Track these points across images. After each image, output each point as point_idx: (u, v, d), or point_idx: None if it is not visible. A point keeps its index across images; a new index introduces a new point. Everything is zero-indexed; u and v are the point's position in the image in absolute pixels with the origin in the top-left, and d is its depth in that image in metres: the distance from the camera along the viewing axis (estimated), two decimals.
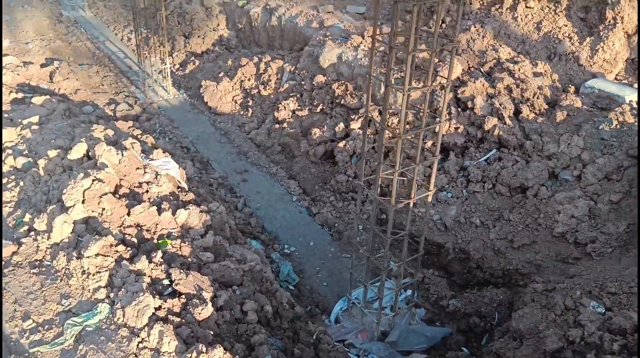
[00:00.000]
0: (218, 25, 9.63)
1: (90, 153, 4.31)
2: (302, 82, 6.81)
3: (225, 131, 7.05)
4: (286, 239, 5.17)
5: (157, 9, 7.71)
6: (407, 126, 5.61)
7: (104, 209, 3.72)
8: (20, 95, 6.75)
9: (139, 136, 5.62)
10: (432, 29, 6.24)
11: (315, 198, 5.66)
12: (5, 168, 4.73)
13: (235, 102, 7.39)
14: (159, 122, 7.07)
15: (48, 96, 6.30)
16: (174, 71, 8.84)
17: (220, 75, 7.78)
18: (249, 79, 7.45)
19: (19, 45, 9.22)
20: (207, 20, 9.59)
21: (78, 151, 4.35)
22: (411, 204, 3.80)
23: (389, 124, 5.54)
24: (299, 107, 6.55)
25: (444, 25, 6.50)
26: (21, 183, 4.32)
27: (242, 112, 7.24)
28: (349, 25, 7.34)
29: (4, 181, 4.51)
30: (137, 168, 4.20)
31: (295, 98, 6.68)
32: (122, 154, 4.18)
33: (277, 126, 6.54)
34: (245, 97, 7.38)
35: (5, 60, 8.11)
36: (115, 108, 7.14)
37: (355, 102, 5.92)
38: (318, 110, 6.33)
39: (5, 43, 9.16)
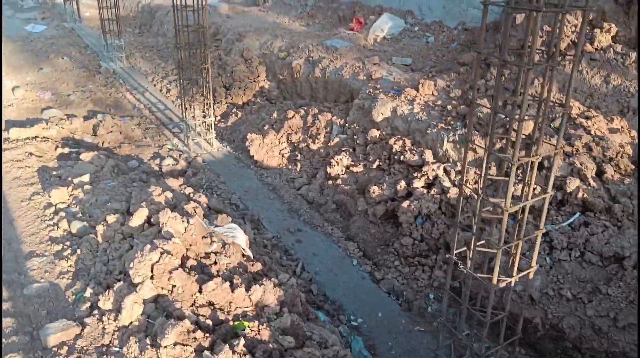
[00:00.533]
0: (258, 76, 9.57)
1: (152, 219, 4.06)
2: (355, 137, 6.57)
3: (274, 186, 6.79)
4: (351, 309, 4.80)
5: (203, 62, 7.59)
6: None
7: (174, 286, 3.42)
8: (66, 150, 6.60)
9: (192, 195, 5.37)
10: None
11: (377, 262, 5.31)
12: (59, 233, 4.49)
13: (283, 156, 7.16)
14: (205, 178, 6.84)
15: (96, 152, 6.12)
16: (216, 122, 8.70)
17: (266, 128, 7.59)
18: (295, 132, 7.25)
19: (60, 97, 9.21)
20: (247, 72, 9.53)
21: (139, 217, 4.10)
22: (512, 283, 3.45)
23: (457, 184, 5.23)
24: (353, 163, 6.28)
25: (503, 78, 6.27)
26: (78, 251, 4.06)
27: (290, 167, 7.00)
28: (399, 78, 7.16)
29: (59, 247, 4.27)
30: (203, 237, 3.92)
31: (347, 153, 6.43)
32: (188, 222, 3.91)
33: (330, 182, 6.26)
34: (293, 151, 7.16)
35: (49, 113, 8.06)
36: (160, 163, 6.94)
37: (416, 158, 5.64)
38: (374, 166, 6.05)
39: (47, 95, 9.16)
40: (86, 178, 5.36)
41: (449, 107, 5.78)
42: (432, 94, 6.22)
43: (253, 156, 7.23)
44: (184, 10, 7.38)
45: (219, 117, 8.81)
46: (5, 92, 9.29)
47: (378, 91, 6.77)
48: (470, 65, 6.62)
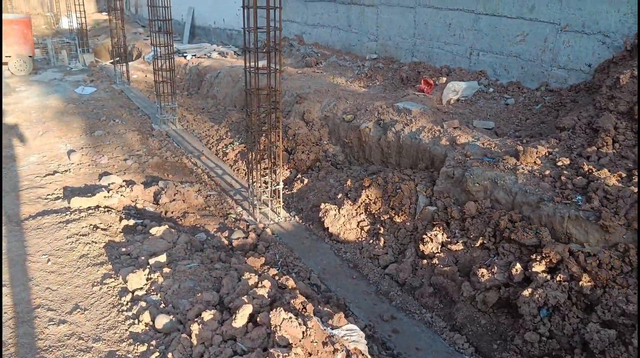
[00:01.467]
0: (320, 139, 9.12)
1: (258, 319, 3.43)
2: (448, 209, 5.92)
3: (354, 263, 6.12)
4: None
5: (274, 127, 7.16)
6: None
7: None
8: (131, 222, 6.09)
9: (278, 278, 4.74)
10: None
11: None
12: (140, 327, 3.88)
13: (362, 229, 6.53)
14: (278, 253, 6.22)
15: (166, 226, 5.58)
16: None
17: (339, 196, 7.02)
18: (374, 202, 6.64)
19: (117, 161, 8.85)
20: (309, 135, 9.09)
21: (243, 316, 3.48)
22: None
23: (589, 269, 4.50)
24: (449, 240, 5.61)
25: (617, 145, 5.62)
26: (169, 356, 3.42)
27: (371, 241, 6.34)
28: (488, 143, 6.57)
29: (144, 348, 3.64)
30: (324, 343, 3.25)
31: (441, 228, 5.76)
32: (305, 324, 3.27)
33: (424, 261, 5.57)
34: (373, 223, 6.53)
35: (108, 179, 7.64)
36: (230, 236, 6.36)
37: (531, 237, 4.94)
38: (477, 244, 5.36)
39: (103, 160, 8.82)
40: (162, 257, 4.79)
41: (563, 178, 5.12)
42: (535, 162, 5.58)
43: (328, 228, 6.61)
44: (252, 71, 6.99)
45: (281, 183, 8.28)
46: (61, 155, 8.99)
47: (468, 158, 6.16)
48: (573, 129, 6.01)
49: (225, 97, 13.47)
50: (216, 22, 19.29)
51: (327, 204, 6.69)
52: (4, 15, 17.07)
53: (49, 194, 7.14)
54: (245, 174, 8.80)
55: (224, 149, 9.85)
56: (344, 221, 6.51)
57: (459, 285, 5.11)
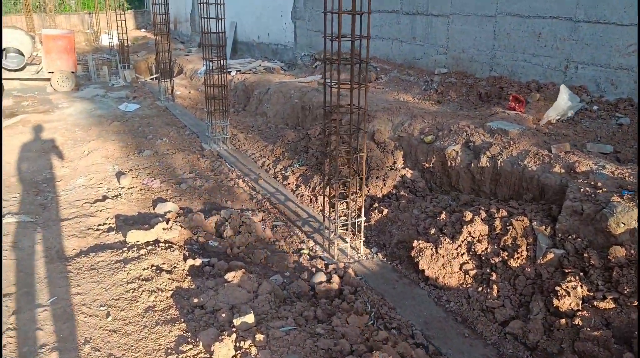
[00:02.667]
0: (394, 163, 8.13)
1: None
2: (584, 255, 4.83)
3: (462, 316, 5.06)
4: None
5: (359, 152, 6.22)
6: None
7: None
8: (197, 261, 5.18)
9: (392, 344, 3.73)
10: None
11: None
12: None
13: (466, 274, 5.48)
14: (369, 301, 5.21)
15: (242, 271, 4.65)
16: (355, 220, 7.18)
17: (432, 232, 5.99)
18: (479, 241, 5.59)
19: (170, 185, 8.01)
20: (382, 158, 8.12)
21: None
22: None
23: None
24: (593, 294, 4.52)
25: None
26: None
27: (481, 290, 5.28)
28: (619, 172, 5.47)
29: None
30: None
31: (577, 278, 4.67)
32: None
33: (561, 321, 4.48)
34: (480, 266, 5.47)
35: (164, 207, 6.80)
36: (310, 279, 5.39)
37: None
38: (635, 303, 4.26)
39: (155, 183, 8.00)
40: (250, 317, 3.84)
41: None
42: None
43: (423, 270, 5.57)
44: (333, 86, 6.08)
45: (363, 217, 7.30)
46: (109, 178, 8.22)
47: (600, 190, 5.07)
48: None
49: (276, 114, 12.65)
50: (260, 36, 18.64)
51: (420, 241, 5.67)
52: (48, 31, 16.74)
53: (100, 225, 6.31)
54: (310, 202, 7.86)
55: (283, 171, 8.95)
56: (444, 263, 5.48)
57: (618, 356, 3.99)
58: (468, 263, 5.52)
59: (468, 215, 5.81)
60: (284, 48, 16.77)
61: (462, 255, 5.59)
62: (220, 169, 9.21)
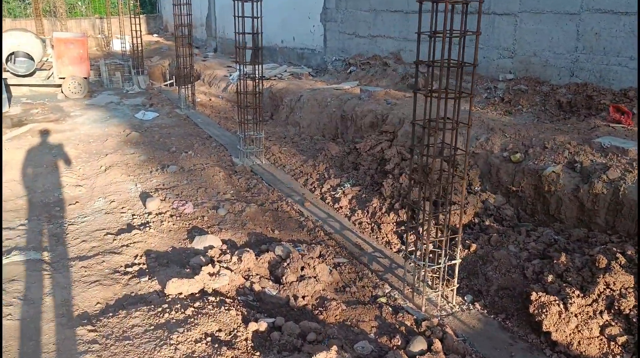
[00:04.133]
0: (470, 185, 6.85)
1: None
2: None
3: None
4: None
5: (457, 175, 4.97)
6: None
7: None
8: (262, 325, 3.91)
9: None
10: None
11: None
12: None
13: (612, 340, 4.17)
14: None
15: (335, 349, 3.37)
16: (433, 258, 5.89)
17: (549, 280, 4.69)
18: (624, 295, 4.29)
19: (205, 210, 6.76)
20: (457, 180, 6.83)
21: None
22: None
23: None
24: None
25: None
26: None
27: None
28: None
29: None
30: None
31: None
32: None
33: None
34: (630, 331, 4.16)
35: (203, 241, 5.54)
36: (408, 347, 4.10)
37: None
38: None
39: (188, 208, 6.75)
40: None
41: None
42: None
43: (549, 332, 4.27)
44: (431, 95, 4.83)
45: (459, 258, 6.02)
46: (132, 199, 6.98)
47: None
48: None
49: (310, 124, 11.41)
50: (284, 40, 17.45)
51: (540, 294, 4.36)
52: (60, 34, 15.61)
53: (128, 265, 5.07)
54: (372, 231, 6.58)
55: (332, 192, 7.68)
56: (577, 325, 4.17)
57: None
58: (612, 325, 4.22)
59: (602, 260, 4.51)
60: (312, 52, 15.56)
61: (601, 313, 4.29)
62: (258, 188, 7.96)
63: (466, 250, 5.73)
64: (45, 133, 11.02)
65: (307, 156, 9.54)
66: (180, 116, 13.08)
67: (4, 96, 12.33)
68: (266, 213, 6.89)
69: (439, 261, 4.98)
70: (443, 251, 4.94)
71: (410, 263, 5.13)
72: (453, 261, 4.96)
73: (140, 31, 17.68)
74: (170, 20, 32.75)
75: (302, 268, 5.05)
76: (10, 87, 14.55)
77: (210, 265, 4.76)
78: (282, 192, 7.87)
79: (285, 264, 5.04)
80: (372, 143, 8.46)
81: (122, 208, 6.82)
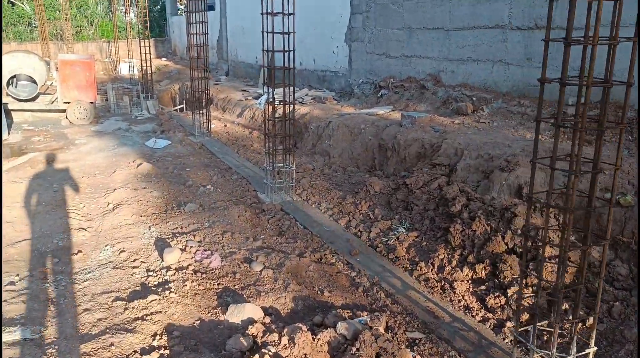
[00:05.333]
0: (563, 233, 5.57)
1: None
2: None
3: None
4: None
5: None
6: None
7: None
8: None
9: None
10: None
11: None
12: None
13: None
14: None
15: None
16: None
17: None
18: None
19: (236, 264, 5.49)
20: (541, 225, 5.55)
21: None
22: None
23: None
24: None
25: None
26: None
27: None
28: None
29: None
30: None
31: None
32: None
33: None
34: None
35: (240, 313, 4.27)
36: None
37: None
38: None
39: (214, 261, 5.50)
40: None
41: None
42: None
43: None
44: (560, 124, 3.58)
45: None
46: (147, 249, 5.72)
47: None
48: None
49: (341, 154, 10.21)
50: (303, 62, 16.41)
51: None
52: (65, 56, 14.60)
53: (144, 352, 3.78)
54: (442, 291, 5.30)
55: (384, 238, 6.41)
56: None
57: None
58: None
59: None
60: (334, 75, 14.47)
61: None
62: (293, 232, 6.71)
63: (580, 324, 4.41)
64: (46, 164, 9.86)
65: (344, 192, 8.31)
66: (194, 144, 11.93)
67: (4, 122, 11.20)
68: (309, 266, 5.61)
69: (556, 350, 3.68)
70: (572, 335, 3.64)
71: (520, 351, 3.83)
72: (587, 351, 3.65)
73: (150, 54, 16.73)
74: (179, 43, 32.02)
75: (378, 356, 3.75)
76: (12, 112, 13.47)
77: (255, 354, 3.46)
78: (322, 237, 6.60)
79: (355, 350, 3.75)
80: (426, 178, 7.22)
81: (134, 260, 5.57)
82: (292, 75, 7.90)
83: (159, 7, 37.17)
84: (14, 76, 13.18)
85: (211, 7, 25.10)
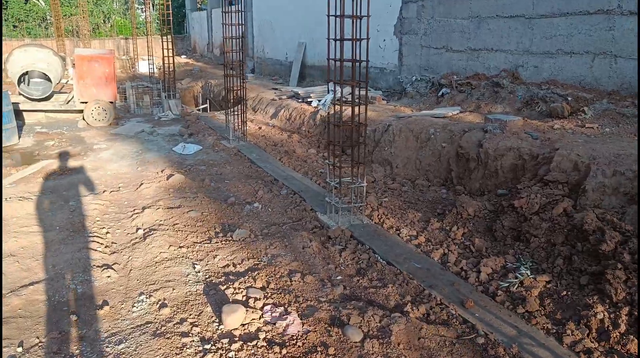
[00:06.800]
0: None
1: None
2: None
3: None
4: None
5: None
6: None
7: None
8: None
9: None
10: None
11: None
12: None
13: None
14: None
15: None
16: None
17: None
18: None
19: (324, 330, 3.99)
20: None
21: None
22: None
23: None
24: None
25: None
26: None
27: None
28: None
29: None
30: None
31: None
32: None
33: None
34: None
35: None
36: None
37: None
38: None
39: (294, 325, 3.95)
40: None
41: None
42: None
43: None
44: None
45: None
46: (195, 302, 4.19)
47: None
48: None
49: (406, 164, 8.65)
50: None
51: None
52: (82, 51, 13.16)
53: None
54: None
55: (502, 283, 4.81)
56: None
57: None
58: None
59: None
60: (381, 72, 12.89)
61: None
62: (377, 271, 5.16)
63: None
64: (61, 174, 8.41)
65: (424, 213, 6.74)
66: (228, 149, 10.43)
67: (12, 124, 9.78)
68: (421, 330, 4.04)
69: None
70: None
71: None
72: None
73: (173, 50, 15.32)
74: (200, 40, 30.62)
75: None
76: (23, 113, 12.07)
77: None
78: (417, 278, 5.04)
79: None
80: (541, 200, 5.61)
81: (181, 320, 4.04)
82: (361, 71, 6.35)
83: (177, 2, 35.86)
84: (26, 73, 11.78)
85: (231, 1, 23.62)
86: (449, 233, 6.03)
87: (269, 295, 4.48)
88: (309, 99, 13.08)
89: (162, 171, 8.66)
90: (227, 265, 5.19)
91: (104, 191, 7.62)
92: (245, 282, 4.71)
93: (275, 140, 11.46)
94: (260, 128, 12.55)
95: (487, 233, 5.92)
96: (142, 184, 7.95)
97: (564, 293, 4.58)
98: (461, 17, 10.28)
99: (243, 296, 4.41)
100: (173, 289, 4.57)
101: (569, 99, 7.96)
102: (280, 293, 4.52)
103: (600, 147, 6.05)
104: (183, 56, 29.37)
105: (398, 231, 6.25)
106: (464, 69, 10.37)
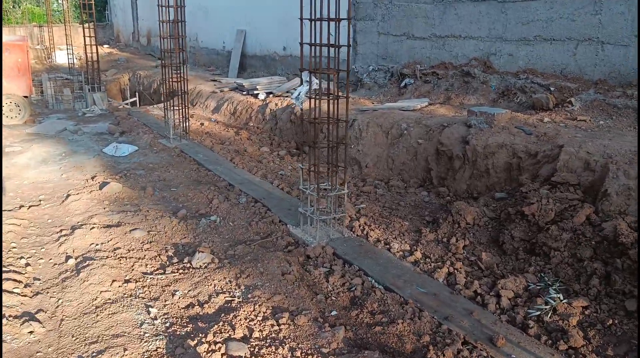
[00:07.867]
0: None
1: None
2: None
3: None
4: None
5: None
6: None
7: None
8: None
9: None
10: None
11: None
12: None
13: None
14: None
15: None
16: None
17: None
18: None
19: None
20: None
21: None
22: None
23: None
24: None
25: None
26: None
27: None
28: None
29: None
30: None
31: None
32: None
33: None
34: None
35: None
36: None
37: None
38: None
39: None
40: None
41: None
42: None
43: None
44: None
45: None
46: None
47: None
48: None
49: (377, 163, 7.78)
50: (287, 47, 13.80)
51: None
52: None
53: None
54: None
55: (530, 311, 4.02)
56: None
57: None
58: None
59: None
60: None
61: None
62: (378, 302, 4.23)
63: None
64: None
65: (410, 221, 5.89)
66: (169, 149, 9.10)
67: None
68: None
69: None
70: None
71: None
72: None
73: (97, 39, 13.65)
74: (123, 29, 28.30)
75: None
76: None
77: None
78: (426, 308, 4.13)
79: None
80: (555, 206, 4.87)
81: None
82: (340, 56, 5.36)
83: None
84: None
85: None
86: (448, 246, 5.19)
87: (256, 349, 3.40)
88: (255, 92, 11.91)
89: (92, 178, 7.25)
90: (192, 305, 4.05)
91: (20, 207, 6.16)
92: (220, 331, 3.59)
93: (221, 137, 10.22)
94: (202, 124, 11.23)
95: (492, 245, 5.12)
96: (69, 195, 6.54)
97: (610, 322, 3.83)
98: (424, 1, 9.49)
99: (223, 355, 3.30)
100: (125, 350, 3.38)
101: (552, 89, 7.36)
102: (270, 346, 3.45)
103: (609, 143, 5.41)
104: (106, 46, 26.98)
105: (388, 246, 5.33)
106: (428, 57, 9.62)
